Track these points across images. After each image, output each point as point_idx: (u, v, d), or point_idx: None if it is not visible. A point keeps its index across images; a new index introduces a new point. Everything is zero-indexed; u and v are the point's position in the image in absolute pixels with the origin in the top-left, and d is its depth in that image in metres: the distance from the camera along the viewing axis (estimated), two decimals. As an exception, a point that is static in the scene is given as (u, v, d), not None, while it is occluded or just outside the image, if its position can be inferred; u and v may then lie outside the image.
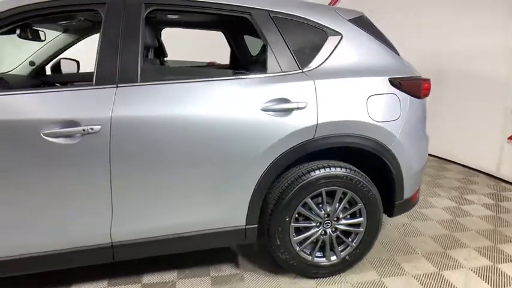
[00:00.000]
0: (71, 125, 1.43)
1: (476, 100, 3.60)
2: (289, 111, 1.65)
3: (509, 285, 1.90)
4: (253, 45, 2.96)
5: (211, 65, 2.99)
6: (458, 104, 3.78)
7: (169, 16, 2.11)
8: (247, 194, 1.69)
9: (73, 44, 2.73)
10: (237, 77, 1.71)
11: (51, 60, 2.76)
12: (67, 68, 3.02)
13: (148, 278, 1.93)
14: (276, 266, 2.00)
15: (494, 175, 3.51)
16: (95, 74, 1.51)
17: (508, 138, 3.34)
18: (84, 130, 1.44)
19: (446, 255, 2.17)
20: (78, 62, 3.07)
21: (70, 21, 2.35)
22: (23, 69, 2.66)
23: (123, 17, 1.56)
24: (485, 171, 3.61)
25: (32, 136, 1.40)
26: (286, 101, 1.65)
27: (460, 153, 3.87)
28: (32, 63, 2.69)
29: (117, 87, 1.51)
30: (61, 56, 2.80)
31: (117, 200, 1.54)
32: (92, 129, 1.44)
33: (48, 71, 2.85)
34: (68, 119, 1.43)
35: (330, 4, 4.74)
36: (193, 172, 1.60)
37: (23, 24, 1.67)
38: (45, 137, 1.41)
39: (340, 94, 1.73)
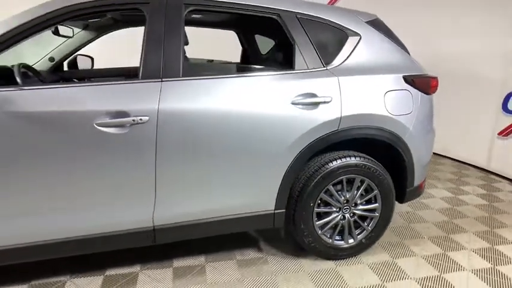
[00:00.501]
0: (121, 115, 1.54)
1: (468, 99, 3.86)
2: (316, 105, 1.81)
3: (508, 264, 2.11)
4: (263, 44, 3.11)
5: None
6: (451, 103, 4.03)
7: (199, 16, 2.22)
8: (277, 181, 1.84)
9: (91, 41, 2.80)
10: (269, 72, 1.85)
11: (69, 56, 2.82)
12: (82, 64, 3.10)
13: (179, 263, 2.05)
14: (298, 249, 2.16)
15: (485, 168, 3.78)
16: (141, 68, 1.62)
17: (498, 134, 3.60)
18: (133, 120, 1.55)
19: (450, 239, 2.38)
20: (92, 59, 3.16)
21: (98, 19, 2.43)
22: (43, 65, 2.71)
23: (166, 16, 1.68)
24: (476, 165, 3.88)
25: (85, 126, 1.51)
26: (313, 95, 1.81)
27: (452, 149, 4.12)
28: (51, 59, 2.74)
29: (162, 81, 1.62)
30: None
31: (160, 186, 1.66)
32: (141, 119, 1.56)
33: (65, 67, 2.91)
34: (119, 110, 1.54)
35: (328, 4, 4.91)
36: (230, 161, 1.73)
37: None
38: (97, 127, 1.52)
39: (361, 90, 1.90)
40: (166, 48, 1.65)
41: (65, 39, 2.69)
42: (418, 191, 2.23)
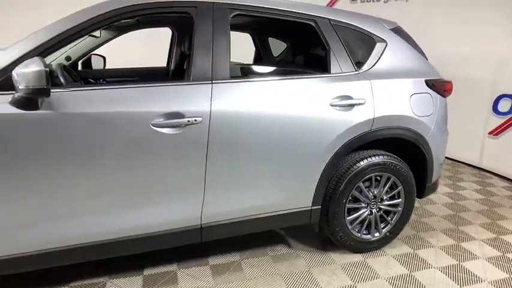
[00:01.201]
0: (177, 116, 1.58)
1: (461, 101, 4.11)
2: (351, 106, 1.92)
3: (514, 251, 2.32)
4: (275, 47, 3.21)
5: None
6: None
7: (240, 20, 2.26)
8: (316, 179, 1.93)
9: (109, 41, 2.78)
10: (309, 75, 1.94)
11: (85, 55, 2.79)
12: (96, 63, 3.07)
13: (215, 260, 2.10)
14: (325, 244, 2.27)
15: (477, 166, 4.05)
16: (191, 70, 1.66)
17: (489, 133, 3.88)
18: (188, 121, 1.59)
19: (460, 231, 2.57)
20: (104, 58, 3.13)
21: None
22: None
23: (213, 20, 1.73)
24: (469, 163, 4.15)
25: (142, 126, 1.53)
26: (349, 97, 1.92)
27: (447, 147, 4.37)
28: (68, 58, 2.70)
29: (212, 83, 1.68)
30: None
31: (209, 185, 1.71)
32: (195, 120, 1.60)
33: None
34: (174, 111, 1.58)
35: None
36: (273, 160, 1.81)
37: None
38: (153, 127, 1.55)
39: (390, 93, 2.03)
40: (215, 50, 1.71)
41: (82, 38, 2.66)
42: (434, 187, 2.40)
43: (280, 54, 3.14)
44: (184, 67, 3.10)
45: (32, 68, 1.26)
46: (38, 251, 1.51)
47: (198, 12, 1.71)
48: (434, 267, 2.10)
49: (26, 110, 1.37)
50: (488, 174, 3.88)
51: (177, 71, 3.04)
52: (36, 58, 1.30)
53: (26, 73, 1.26)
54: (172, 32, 3.05)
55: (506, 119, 3.72)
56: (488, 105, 3.86)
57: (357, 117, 1.92)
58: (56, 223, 1.51)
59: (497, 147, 3.83)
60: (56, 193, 1.48)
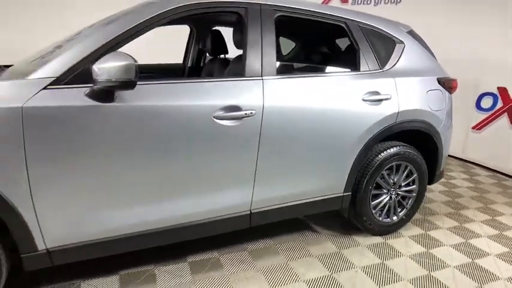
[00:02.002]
0: (235, 109, 1.69)
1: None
2: (380, 101, 2.12)
3: (509, 230, 2.64)
4: (284, 45, 3.36)
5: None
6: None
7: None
8: (348, 167, 2.12)
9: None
10: (345, 73, 2.11)
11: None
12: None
13: (252, 246, 2.23)
14: (347, 228, 2.46)
15: (462, 158, 4.45)
16: (245, 67, 1.78)
17: (472, 128, 4.27)
18: (245, 114, 1.71)
19: (460, 214, 2.87)
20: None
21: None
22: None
23: (261, 20, 1.85)
24: (454, 155, 4.54)
25: (205, 119, 1.64)
26: (377, 93, 2.11)
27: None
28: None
29: (262, 79, 1.80)
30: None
31: (259, 174, 1.84)
32: (251, 113, 1.72)
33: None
34: (233, 104, 1.69)
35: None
36: (315, 150, 1.97)
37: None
38: (215, 120, 1.66)
39: (411, 89, 2.25)
40: (264, 48, 1.83)
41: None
42: (441, 175, 2.67)
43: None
44: (201, 64, 3.18)
45: (122, 61, 1.33)
46: (122, 235, 1.61)
47: (248, 12, 1.83)
48: (447, 245, 2.36)
49: (102, 102, 1.43)
50: (471, 165, 4.28)
51: (194, 68, 3.11)
52: (121, 52, 1.37)
53: (115, 66, 1.32)
54: (191, 29, 3.11)
55: (488, 114, 4.12)
56: (472, 103, 4.25)
57: (385, 111, 2.13)
58: (134, 209, 1.60)
59: (480, 141, 4.23)
60: (126, 182, 1.55)
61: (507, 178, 3.87)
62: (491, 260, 2.22)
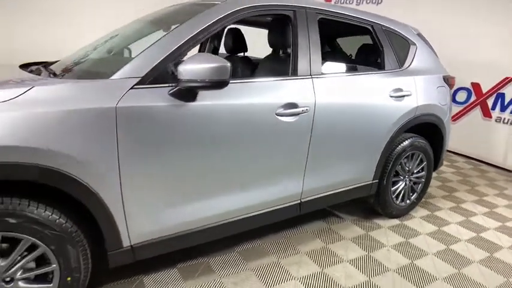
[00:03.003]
0: (293, 106, 1.82)
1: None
2: (403, 97, 2.36)
3: (496, 207, 3.05)
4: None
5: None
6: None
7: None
8: (378, 157, 2.34)
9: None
10: (375, 72, 2.32)
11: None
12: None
13: (288, 232, 2.38)
14: (366, 213, 2.71)
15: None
16: (297, 67, 1.91)
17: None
18: (302, 110, 1.85)
19: (454, 196, 3.25)
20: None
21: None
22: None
23: (307, 22, 1.99)
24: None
25: (269, 115, 1.75)
26: (401, 90, 2.35)
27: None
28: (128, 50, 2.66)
29: (312, 77, 1.95)
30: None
31: (309, 165, 1.99)
32: (306, 109, 1.86)
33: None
34: (291, 102, 1.82)
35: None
36: (353, 143, 2.17)
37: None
38: (277, 116, 1.78)
39: (426, 86, 2.53)
40: (312, 48, 1.98)
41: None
42: (442, 163, 3.01)
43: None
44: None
45: (216, 63, 1.40)
46: (198, 227, 1.70)
47: (297, 15, 1.96)
48: (453, 223, 2.70)
49: (186, 101, 1.49)
50: (448, 153, 4.77)
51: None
52: (210, 54, 1.44)
53: (208, 68, 1.39)
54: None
55: (463, 107, 4.62)
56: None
57: (407, 105, 2.37)
58: (208, 202, 1.70)
59: (456, 131, 4.72)
60: (204, 176, 1.63)
61: (481, 163, 4.39)
62: (492, 233, 2.59)
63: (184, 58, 1.51)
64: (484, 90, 4.37)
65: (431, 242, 2.41)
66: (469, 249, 2.35)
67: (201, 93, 1.53)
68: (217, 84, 1.44)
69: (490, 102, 4.33)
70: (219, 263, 2.02)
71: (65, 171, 1.27)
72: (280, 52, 2.22)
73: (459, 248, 2.35)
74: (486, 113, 4.38)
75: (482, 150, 4.44)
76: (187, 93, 1.49)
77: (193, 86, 1.44)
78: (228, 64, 1.42)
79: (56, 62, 2.03)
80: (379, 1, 5.42)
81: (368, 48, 2.64)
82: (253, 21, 2.90)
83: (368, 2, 5.56)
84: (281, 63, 2.08)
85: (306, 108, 1.87)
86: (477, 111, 4.48)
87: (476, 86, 4.47)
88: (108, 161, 1.36)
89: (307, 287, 1.86)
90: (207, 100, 1.55)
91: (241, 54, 2.77)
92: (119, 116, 1.35)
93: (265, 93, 1.76)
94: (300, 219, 2.53)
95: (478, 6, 4.28)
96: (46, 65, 1.99)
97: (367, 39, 2.58)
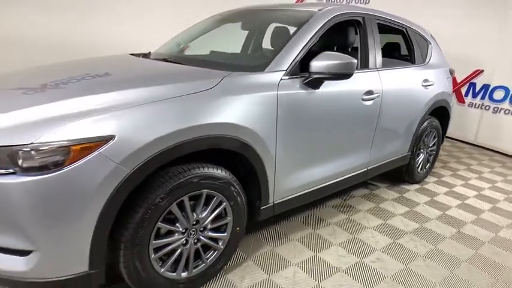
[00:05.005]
0: (370, 93, 2.33)
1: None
2: (429, 86, 2.99)
3: (483, 190, 3.84)
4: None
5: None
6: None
7: None
8: (413, 133, 2.96)
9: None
10: (411, 66, 2.91)
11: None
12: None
13: (332, 202, 2.91)
14: (394, 181, 3.33)
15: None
16: (369, 61, 2.41)
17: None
18: (377, 96, 2.37)
19: (450, 166, 4.03)
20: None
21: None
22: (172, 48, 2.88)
23: (372, 26, 2.50)
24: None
25: (357, 100, 2.24)
26: (428, 80, 2.98)
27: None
28: (179, 44, 2.93)
29: (378, 70, 2.47)
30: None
31: (375, 139, 2.53)
32: (378, 96, 2.39)
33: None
34: (369, 89, 2.33)
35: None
36: (402, 121, 2.76)
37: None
38: (362, 101, 2.28)
39: (441, 77, 3.19)
40: (376, 46, 2.50)
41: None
42: (444, 138, 3.74)
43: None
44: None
45: (345, 60, 1.84)
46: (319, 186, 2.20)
47: (365, 20, 2.46)
48: (459, 185, 3.44)
49: (314, 88, 1.93)
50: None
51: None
52: (336, 53, 1.89)
53: (339, 64, 1.83)
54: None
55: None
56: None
57: (432, 92, 3.01)
58: (327, 166, 2.21)
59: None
60: (325, 146, 2.15)
61: (456, 141, 5.30)
62: (488, 191, 3.37)
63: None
64: (459, 80, 5.25)
65: (450, 199, 3.10)
66: (478, 203, 3.08)
67: (325, 83, 1.98)
68: (344, 76, 1.89)
69: (463, 90, 5.22)
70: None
71: (247, 141, 1.66)
72: (349, 49, 2.71)
73: (471, 202, 3.08)
74: (460, 99, 5.28)
75: (457, 130, 5.34)
76: (317, 83, 1.93)
77: (323, 78, 1.88)
78: (355, 60, 1.88)
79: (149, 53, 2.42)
80: (367, 1, 6.10)
81: (394, 46, 3.19)
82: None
83: (356, 1, 6.23)
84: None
85: (377, 94, 2.39)
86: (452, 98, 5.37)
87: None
88: (270, 135, 1.76)
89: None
90: (326, 88, 2.00)
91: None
92: (279, 99, 1.76)
93: (357, 82, 2.26)
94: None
95: (457, 5, 5.05)
96: (147, 54, 2.35)
97: (390, 38, 3.17)
